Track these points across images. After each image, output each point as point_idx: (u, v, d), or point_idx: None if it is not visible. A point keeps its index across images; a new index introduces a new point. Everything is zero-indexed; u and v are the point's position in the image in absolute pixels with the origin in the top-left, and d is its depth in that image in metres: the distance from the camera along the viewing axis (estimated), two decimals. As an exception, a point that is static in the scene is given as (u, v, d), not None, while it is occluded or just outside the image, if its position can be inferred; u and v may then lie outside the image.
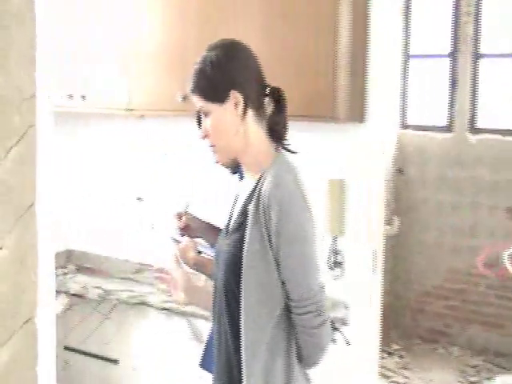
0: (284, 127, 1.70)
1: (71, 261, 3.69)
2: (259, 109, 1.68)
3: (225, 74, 1.63)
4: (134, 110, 2.97)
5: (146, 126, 3.34)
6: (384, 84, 2.77)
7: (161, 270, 1.97)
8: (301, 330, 1.62)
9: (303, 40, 2.51)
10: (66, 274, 3.56)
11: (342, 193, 2.81)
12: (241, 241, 1.61)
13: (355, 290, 2.85)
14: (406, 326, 5.20)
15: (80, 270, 3.62)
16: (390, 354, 4.84)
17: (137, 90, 2.95)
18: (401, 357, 4.82)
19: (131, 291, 3.28)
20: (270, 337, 1.61)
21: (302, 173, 1.69)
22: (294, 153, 1.72)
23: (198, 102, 1.67)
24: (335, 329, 2.72)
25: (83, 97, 3.09)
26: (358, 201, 2.81)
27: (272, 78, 2.54)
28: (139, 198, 3.41)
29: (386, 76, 2.79)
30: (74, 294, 3.39)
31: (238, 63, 1.65)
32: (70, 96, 3.11)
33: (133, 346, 3.41)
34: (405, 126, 5.26)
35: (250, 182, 1.70)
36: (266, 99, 1.69)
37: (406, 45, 5.17)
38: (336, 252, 2.85)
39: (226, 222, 1.77)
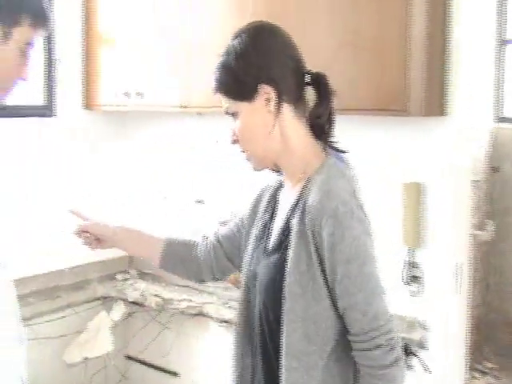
0: (329, 120, 1.40)
1: (133, 266, 3.54)
2: (298, 102, 1.39)
3: (251, 64, 1.35)
4: (189, 107, 2.78)
5: (203, 123, 3.13)
6: (471, 73, 2.42)
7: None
8: (367, 371, 1.31)
9: (371, 26, 2.23)
10: (126, 279, 3.42)
11: (420, 198, 2.47)
12: (283, 262, 1.33)
13: (436, 308, 2.50)
14: (501, 341, 4.74)
15: (141, 275, 3.47)
16: (483, 373, 4.39)
17: (193, 87, 2.76)
18: (496, 377, 4.36)
19: (190, 301, 3.10)
20: (319, 381, 1.32)
21: (357, 177, 1.40)
22: (343, 152, 1.42)
23: (223, 101, 1.40)
24: (412, 353, 2.39)
25: (140, 94, 2.94)
26: (439, 207, 2.46)
27: (337, 69, 2.30)
28: (199, 201, 3.19)
29: (474, 64, 2.44)
30: (132, 302, 3.25)
31: (267, 50, 1.37)
32: (127, 94, 2.98)
33: (193, 358, 3.21)
34: (500, 119, 4.78)
35: (291, 190, 1.42)
36: (307, 89, 1.40)
37: (501, 28, 4.69)
38: (413, 265, 2.51)
39: (261, 236, 1.49)
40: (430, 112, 2.31)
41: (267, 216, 1.50)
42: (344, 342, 1.33)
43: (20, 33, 1.33)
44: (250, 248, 1.52)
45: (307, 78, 1.39)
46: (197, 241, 1.70)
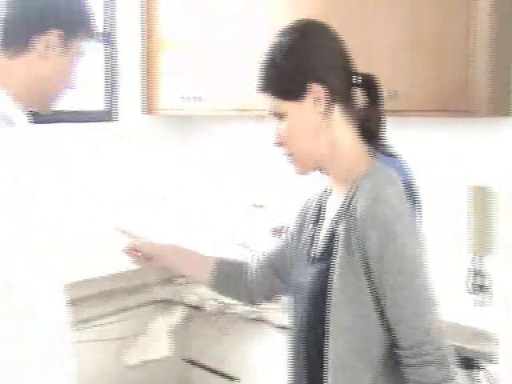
0: (379, 123, 1.34)
1: (195, 270, 3.53)
2: (348, 103, 1.33)
3: (300, 62, 1.30)
4: (248, 110, 2.74)
5: (262, 127, 3.08)
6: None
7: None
8: None
9: (432, 22, 2.14)
10: (185, 283, 3.42)
11: (487, 202, 2.34)
12: (328, 270, 1.27)
13: (505, 319, 2.36)
14: None
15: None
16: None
17: (252, 90, 2.71)
18: None
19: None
20: None
21: (413, 181, 1.32)
22: (394, 156, 1.35)
23: (269, 102, 1.35)
24: (477, 367, 2.27)
25: (198, 98, 2.93)
26: (507, 211, 2.33)
27: (395, 68, 2.21)
28: (258, 205, 3.15)
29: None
30: (191, 306, 3.24)
31: (316, 48, 1.31)
32: (185, 98, 2.99)
33: (252, 363, 3.17)
34: None
35: (338, 196, 1.35)
36: (357, 90, 1.34)
37: None
38: (479, 273, 2.38)
39: (307, 244, 1.43)
40: (495, 112, 2.19)
41: (313, 224, 1.44)
42: (393, 357, 1.26)
43: (77, 45, 1.41)
44: (296, 257, 1.47)
45: (357, 79, 1.33)
46: (247, 261, 1.65)
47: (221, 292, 1.69)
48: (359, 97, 1.36)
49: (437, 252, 1.36)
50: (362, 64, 2.28)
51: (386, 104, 2.19)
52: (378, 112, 1.34)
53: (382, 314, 1.24)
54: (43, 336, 1.16)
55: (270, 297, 1.65)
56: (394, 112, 2.25)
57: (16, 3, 1.35)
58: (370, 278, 1.22)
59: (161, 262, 1.69)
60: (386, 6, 2.26)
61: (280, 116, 1.34)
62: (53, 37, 1.34)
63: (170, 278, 3.44)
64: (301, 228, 1.49)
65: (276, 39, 1.34)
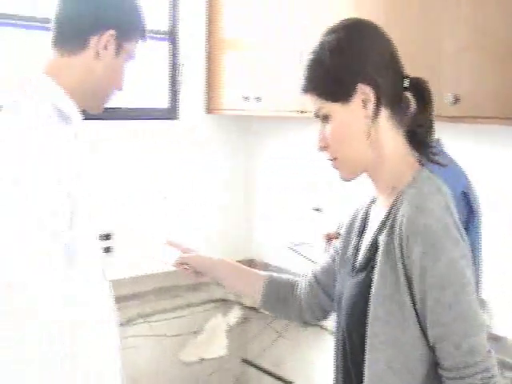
0: (429, 130, 1.27)
1: (252, 270, 3.52)
2: (396, 107, 1.26)
3: (348, 62, 1.23)
4: (307, 112, 2.68)
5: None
6: None
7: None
8: None
9: (500, 25, 2.01)
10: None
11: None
12: (368, 282, 1.22)
13: None
14: None
15: (260, 280, 3.44)
16: None
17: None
18: None
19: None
20: None
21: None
22: (443, 165, 1.27)
23: (313, 103, 1.29)
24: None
25: (258, 99, 2.90)
26: None
27: (458, 73, 2.11)
28: (317, 209, 3.09)
29: None
30: (248, 307, 3.24)
31: (365, 48, 1.24)
32: (246, 98, 2.95)
33: (308, 368, 3.13)
34: None
35: (382, 205, 1.29)
36: (406, 94, 1.27)
37: None
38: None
39: (351, 255, 1.38)
40: None
41: (358, 234, 1.39)
42: (435, 377, 1.19)
43: (129, 47, 1.44)
44: (340, 269, 1.42)
45: (406, 83, 1.26)
46: (297, 280, 1.61)
47: (270, 311, 1.64)
48: (409, 101, 1.29)
49: (495, 263, 1.27)
50: (426, 66, 2.22)
51: (449, 109, 2.13)
52: (428, 118, 1.27)
53: (424, 330, 1.18)
54: (43, 336, 1.16)
55: (320, 316, 1.59)
56: (456, 118, 2.16)
57: (73, 2, 1.38)
58: (411, 293, 1.16)
59: (210, 276, 1.67)
60: (454, 8, 2.15)
61: (324, 118, 1.28)
62: (108, 37, 1.37)
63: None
64: (347, 239, 1.44)
65: (323, 38, 1.28)
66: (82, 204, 1.29)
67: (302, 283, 1.58)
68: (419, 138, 1.27)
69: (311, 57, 1.28)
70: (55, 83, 1.35)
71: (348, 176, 1.32)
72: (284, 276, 1.64)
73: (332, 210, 3.03)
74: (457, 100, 2.08)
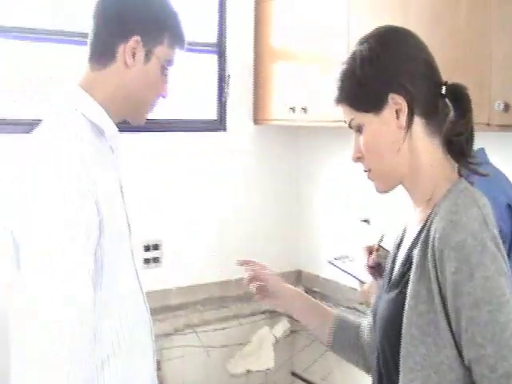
0: (468, 139, 1.21)
1: (300, 282, 3.50)
2: (432, 116, 1.21)
3: (380, 71, 1.20)
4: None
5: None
6: None
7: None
8: None
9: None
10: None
11: None
12: (402, 299, 1.17)
13: None
14: None
15: (308, 293, 3.40)
16: None
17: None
18: None
19: (355, 324, 2.97)
20: None
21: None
22: (484, 175, 1.22)
23: (345, 113, 1.26)
24: None
25: (304, 109, 2.90)
26: None
27: (507, 77, 2.05)
28: (365, 220, 3.05)
29: None
30: (296, 320, 3.20)
31: (398, 56, 1.20)
32: (292, 109, 2.95)
33: (358, 383, 3.07)
34: None
35: (418, 217, 1.25)
36: (442, 102, 1.22)
37: None
38: None
39: (389, 269, 1.34)
40: None
41: (396, 247, 1.35)
42: None
43: (161, 52, 1.38)
44: (380, 284, 1.38)
45: (443, 90, 1.23)
46: (361, 323, 1.51)
47: (338, 353, 1.54)
48: (448, 108, 1.25)
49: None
50: (475, 73, 2.17)
51: (499, 117, 2.07)
52: (467, 126, 1.21)
53: (460, 350, 1.12)
54: (44, 336, 1.14)
55: None
56: (507, 127, 2.09)
57: (99, 15, 1.37)
58: (445, 310, 1.11)
59: (280, 302, 1.58)
60: (501, 15, 2.10)
61: (357, 129, 1.25)
62: (134, 44, 1.34)
63: (277, 289, 3.43)
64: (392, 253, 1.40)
65: (355, 47, 1.26)
66: (112, 216, 1.26)
67: (365, 327, 1.48)
68: (458, 147, 1.22)
69: (343, 67, 1.25)
70: (88, 96, 1.34)
71: (383, 188, 1.28)
72: (351, 318, 1.55)
73: (381, 221, 2.99)
74: (507, 108, 2.02)
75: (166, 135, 3.06)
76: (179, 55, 1.46)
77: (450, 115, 1.20)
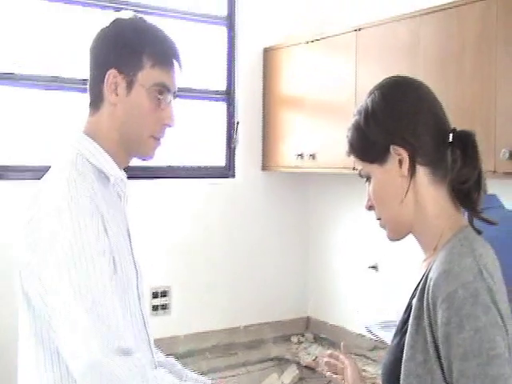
0: (476, 186, 1.21)
1: (310, 329, 3.48)
2: (438, 164, 1.22)
3: (381, 124, 1.22)
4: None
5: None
6: None
7: (331, 355, 1.55)
8: None
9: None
10: (300, 342, 3.37)
11: None
12: (401, 346, 1.16)
13: None
14: None
15: (317, 339, 3.39)
16: None
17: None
18: None
19: (364, 371, 2.93)
20: None
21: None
22: (492, 223, 1.20)
23: (356, 164, 1.29)
24: None
25: (312, 156, 2.93)
26: None
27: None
28: (373, 267, 3.05)
29: None
30: (305, 366, 3.18)
31: (399, 109, 1.23)
32: (300, 155, 2.99)
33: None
34: None
35: (423, 265, 1.26)
36: (450, 149, 1.23)
37: None
38: None
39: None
40: None
41: (410, 297, 1.35)
42: None
43: (145, 77, 1.29)
44: None
45: (450, 138, 1.24)
46: None
47: None
48: (455, 155, 1.26)
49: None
50: (482, 122, 2.20)
51: (504, 165, 2.09)
52: (474, 172, 1.20)
53: None
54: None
55: None
56: (511, 174, 2.12)
57: (88, 59, 1.34)
58: (439, 360, 1.09)
59: None
60: (506, 64, 2.15)
61: (367, 178, 1.27)
62: (111, 78, 1.28)
63: (286, 336, 3.41)
64: None
65: (365, 99, 1.28)
66: (116, 265, 1.25)
67: None
68: (464, 195, 1.22)
69: (353, 119, 1.28)
70: (92, 142, 1.30)
71: (393, 236, 1.28)
72: None
73: (388, 268, 2.99)
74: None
75: (175, 181, 3.09)
76: (176, 75, 1.34)
77: (457, 162, 1.21)
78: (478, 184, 1.21)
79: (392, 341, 1.25)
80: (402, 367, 1.14)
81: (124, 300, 1.28)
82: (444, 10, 2.33)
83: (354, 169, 2.75)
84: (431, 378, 1.11)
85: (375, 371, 2.93)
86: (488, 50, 2.19)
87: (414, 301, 1.16)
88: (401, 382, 1.14)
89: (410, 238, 1.48)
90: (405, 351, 1.14)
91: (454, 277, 1.09)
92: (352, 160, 2.92)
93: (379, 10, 2.83)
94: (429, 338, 1.11)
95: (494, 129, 2.19)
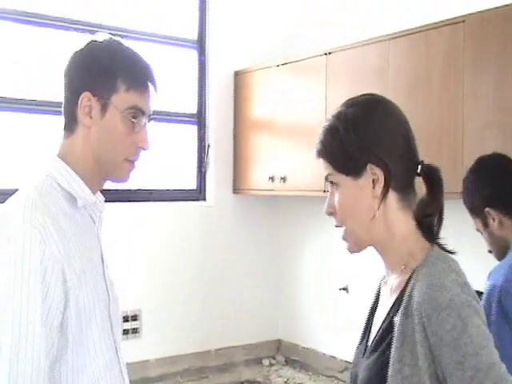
0: (439, 220, 1.24)
1: (281, 352, 3.46)
2: (406, 191, 1.25)
3: (363, 140, 1.21)
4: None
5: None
6: None
7: None
8: None
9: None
10: (272, 365, 3.35)
11: None
12: (383, 363, 1.18)
13: None
14: None
15: (289, 362, 3.38)
16: None
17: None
18: None
19: (335, 392, 2.94)
20: None
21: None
22: (452, 253, 1.25)
23: (324, 167, 1.26)
24: None
25: (283, 179, 2.95)
26: None
27: (481, 148, 2.11)
28: (344, 289, 3.06)
29: None
30: (276, 390, 3.16)
31: (382, 129, 1.23)
32: (271, 178, 3.01)
33: None
34: None
35: (393, 283, 1.27)
36: (416, 180, 1.26)
37: None
38: None
39: (363, 333, 1.34)
40: None
41: (370, 313, 1.36)
42: None
43: (119, 100, 1.28)
44: (356, 351, 1.38)
45: (419, 169, 1.26)
46: None
47: None
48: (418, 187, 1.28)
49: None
50: (450, 143, 2.24)
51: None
52: (437, 208, 1.23)
53: None
54: None
55: None
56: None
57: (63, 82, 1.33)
58: (432, 371, 1.11)
59: None
60: (477, 89, 2.20)
61: (333, 184, 1.25)
62: (85, 101, 1.27)
63: (257, 359, 3.39)
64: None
65: (342, 108, 1.27)
66: (81, 290, 1.21)
67: None
68: (427, 227, 1.25)
69: (328, 124, 1.27)
70: (63, 165, 1.28)
71: (352, 248, 1.28)
72: None
73: (358, 289, 3.00)
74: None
75: (146, 205, 3.07)
76: (151, 98, 1.34)
77: (423, 198, 1.23)
78: (440, 218, 1.23)
79: (367, 358, 1.25)
80: (389, 381, 1.15)
81: (86, 330, 1.24)
82: (412, 34, 2.39)
83: (324, 191, 2.78)
84: None
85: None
86: (455, 73, 2.25)
87: (398, 318, 1.17)
88: None
89: (380, 260, 1.49)
90: (390, 367, 1.15)
91: (447, 289, 1.13)
92: (322, 182, 2.94)
93: (349, 34, 2.88)
94: (420, 351, 1.13)
95: (461, 150, 2.24)
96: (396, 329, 1.17)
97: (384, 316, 1.24)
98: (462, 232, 2.02)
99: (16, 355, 1.12)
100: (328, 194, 1.26)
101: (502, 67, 2.12)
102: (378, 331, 1.25)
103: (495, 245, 1.93)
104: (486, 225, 1.91)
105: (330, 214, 1.26)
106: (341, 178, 1.23)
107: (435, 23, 2.32)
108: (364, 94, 1.32)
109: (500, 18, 2.13)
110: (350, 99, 1.30)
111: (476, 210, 1.92)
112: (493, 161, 1.94)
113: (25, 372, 1.12)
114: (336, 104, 2.90)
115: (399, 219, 1.24)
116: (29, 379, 1.12)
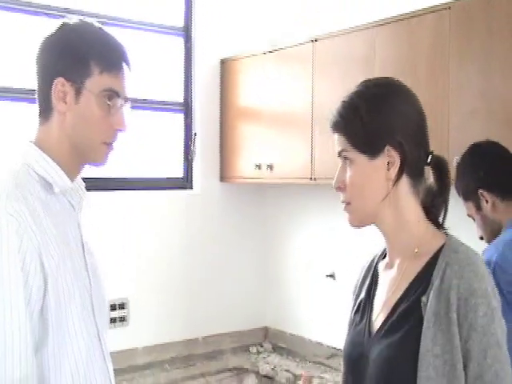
0: (445, 210, 1.28)
1: (268, 339, 3.49)
2: (417, 178, 1.26)
3: (383, 121, 1.23)
4: (318, 179, 2.72)
5: (332, 196, 3.05)
6: None
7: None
8: None
9: (503, 89, 2.03)
10: (259, 352, 3.37)
11: None
12: (409, 342, 1.19)
13: None
14: None
15: (276, 349, 3.40)
16: None
17: (322, 159, 2.71)
18: None
19: (322, 378, 2.96)
20: None
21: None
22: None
23: (339, 142, 1.27)
24: None
25: (270, 167, 2.95)
26: None
27: (468, 135, 2.13)
28: (330, 275, 3.07)
29: None
30: (264, 375, 3.18)
31: (404, 114, 1.25)
32: (258, 166, 3.01)
33: None
34: None
35: (404, 266, 1.27)
36: (426, 169, 1.28)
37: None
38: None
39: (360, 315, 1.35)
40: None
41: (365, 293, 1.37)
42: None
43: (93, 83, 1.27)
44: (352, 335, 1.38)
45: (429, 159, 1.26)
46: None
47: None
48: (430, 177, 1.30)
49: None
50: (436, 132, 2.25)
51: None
52: (443, 198, 1.27)
53: None
54: None
55: None
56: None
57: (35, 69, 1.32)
58: (464, 352, 1.16)
59: None
60: (463, 77, 2.21)
61: (346, 160, 1.26)
62: (59, 86, 1.26)
63: (245, 346, 3.41)
64: (356, 301, 1.41)
65: (362, 87, 1.27)
66: (60, 277, 1.21)
67: None
68: (434, 217, 1.28)
69: (348, 100, 1.26)
70: (39, 152, 1.27)
71: (357, 223, 1.29)
72: None
73: (345, 276, 3.02)
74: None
75: (132, 193, 3.07)
76: (126, 79, 1.32)
77: (432, 189, 1.27)
78: (446, 208, 1.27)
79: (385, 337, 1.25)
80: (420, 361, 1.16)
81: (66, 316, 1.24)
82: (398, 21, 2.39)
83: (311, 179, 2.79)
84: (450, 368, 1.15)
85: (332, 378, 2.96)
86: (441, 60, 2.26)
87: (430, 298, 1.19)
88: (419, 374, 1.16)
89: (367, 246, 1.49)
90: (422, 345, 1.17)
91: (483, 276, 1.19)
92: (309, 170, 2.94)
93: (335, 22, 2.88)
94: (454, 334, 1.16)
95: (447, 138, 2.25)
96: (427, 308, 1.19)
97: (397, 297, 1.25)
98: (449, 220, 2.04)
99: (3, 339, 1.12)
100: (338, 168, 1.26)
101: (487, 55, 2.13)
102: (395, 311, 1.25)
103: (488, 229, 1.94)
104: (478, 207, 1.93)
105: (338, 188, 1.27)
106: (356, 156, 1.24)
107: (421, 10, 2.32)
108: (384, 77, 1.33)
109: (486, 5, 2.14)
110: (369, 80, 1.30)
111: (469, 193, 1.94)
112: (486, 147, 1.96)
113: (13, 353, 1.13)
114: (323, 91, 2.93)
115: (409, 204, 1.26)
116: (18, 361, 1.14)
